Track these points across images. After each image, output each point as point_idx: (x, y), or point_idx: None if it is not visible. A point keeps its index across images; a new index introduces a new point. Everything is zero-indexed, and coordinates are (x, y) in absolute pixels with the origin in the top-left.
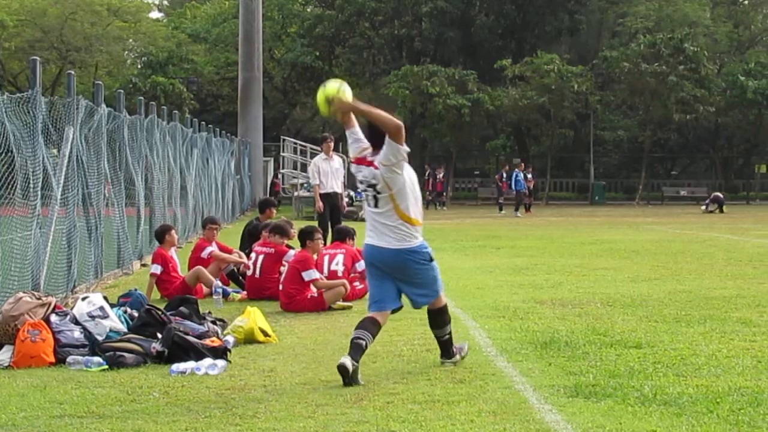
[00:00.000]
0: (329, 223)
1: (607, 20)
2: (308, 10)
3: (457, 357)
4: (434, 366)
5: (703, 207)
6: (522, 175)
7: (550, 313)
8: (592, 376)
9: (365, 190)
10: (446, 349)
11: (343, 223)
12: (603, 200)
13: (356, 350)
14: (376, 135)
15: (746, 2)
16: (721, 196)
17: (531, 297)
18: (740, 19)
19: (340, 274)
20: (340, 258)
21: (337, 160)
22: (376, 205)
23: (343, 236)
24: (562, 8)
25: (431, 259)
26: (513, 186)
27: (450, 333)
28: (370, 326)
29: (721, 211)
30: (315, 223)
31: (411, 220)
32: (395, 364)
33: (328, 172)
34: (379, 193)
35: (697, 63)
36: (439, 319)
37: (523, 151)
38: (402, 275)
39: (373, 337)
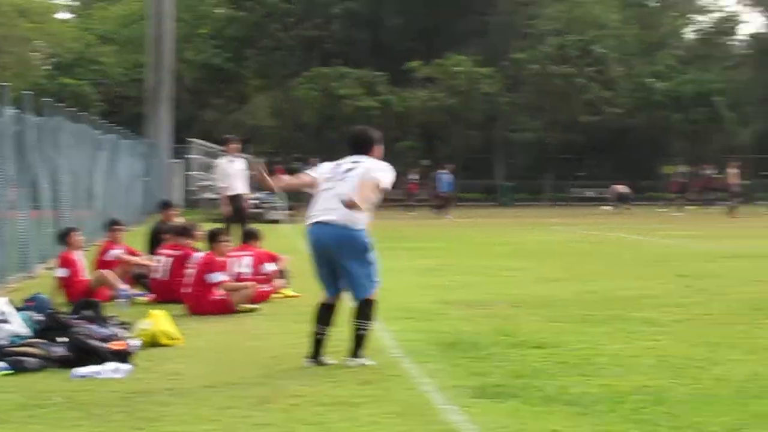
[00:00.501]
0: (236, 225)
1: (517, 22)
2: (219, 11)
3: (363, 361)
4: (340, 368)
5: (609, 207)
6: (451, 176)
7: (457, 314)
8: (497, 376)
9: (343, 164)
10: (357, 345)
11: (250, 225)
12: (511, 201)
13: (316, 347)
14: (357, 145)
15: (655, 4)
16: (623, 190)
17: (438, 298)
18: (649, 22)
19: (246, 276)
20: (246, 260)
21: (241, 162)
22: (342, 179)
23: (249, 238)
24: (472, 10)
25: (370, 249)
26: (440, 187)
27: (367, 330)
28: (327, 316)
29: (626, 204)
30: (222, 225)
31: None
32: (301, 366)
33: (233, 173)
34: (352, 169)
35: (605, 65)
36: (363, 310)
37: (431, 153)
38: (341, 259)
39: (329, 326)
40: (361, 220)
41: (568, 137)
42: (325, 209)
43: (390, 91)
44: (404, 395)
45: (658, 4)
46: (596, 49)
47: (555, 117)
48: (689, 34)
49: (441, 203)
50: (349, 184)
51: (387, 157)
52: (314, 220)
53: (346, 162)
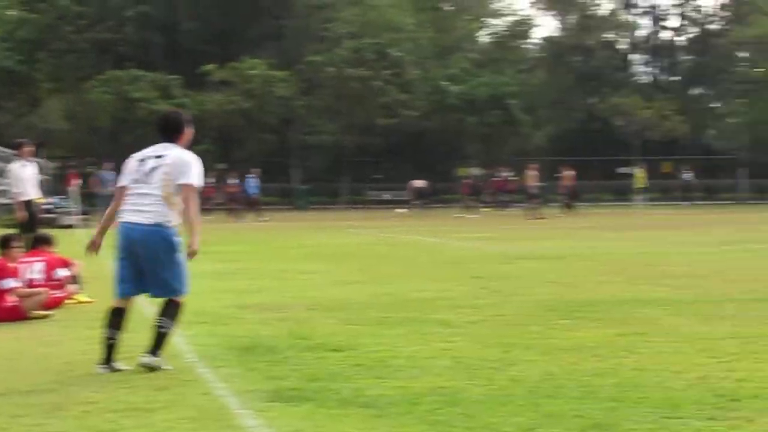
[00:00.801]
0: (28, 231)
1: (312, 25)
2: (10, 13)
3: (159, 361)
4: (134, 373)
5: (404, 209)
6: (257, 180)
7: (253, 318)
8: (293, 380)
9: (147, 159)
10: (157, 344)
11: (43, 230)
12: (308, 205)
13: (108, 352)
14: (166, 130)
15: (449, 8)
16: (421, 185)
17: (234, 302)
18: (443, 25)
19: (39, 282)
20: (38, 266)
21: (33, 166)
22: (146, 176)
23: (42, 243)
24: (267, 13)
25: (179, 250)
26: (247, 191)
27: (169, 330)
28: (118, 321)
29: (425, 200)
30: (15, 231)
31: (171, 203)
32: (94, 372)
33: (26, 178)
34: (156, 168)
35: (401, 68)
36: (169, 310)
37: (228, 157)
38: (149, 258)
39: (121, 330)
40: (172, 220)
41: (365, 140)
42: (134, 209)
43: (185, 95)
44: (199, 400)
45: (453, 8)
46: (392, 53)
47: (351, 120)
48: (484, 37)
49: (249, 206)
50: (154, 185)
51: None
52: (124, 219)
53: (151, 156)
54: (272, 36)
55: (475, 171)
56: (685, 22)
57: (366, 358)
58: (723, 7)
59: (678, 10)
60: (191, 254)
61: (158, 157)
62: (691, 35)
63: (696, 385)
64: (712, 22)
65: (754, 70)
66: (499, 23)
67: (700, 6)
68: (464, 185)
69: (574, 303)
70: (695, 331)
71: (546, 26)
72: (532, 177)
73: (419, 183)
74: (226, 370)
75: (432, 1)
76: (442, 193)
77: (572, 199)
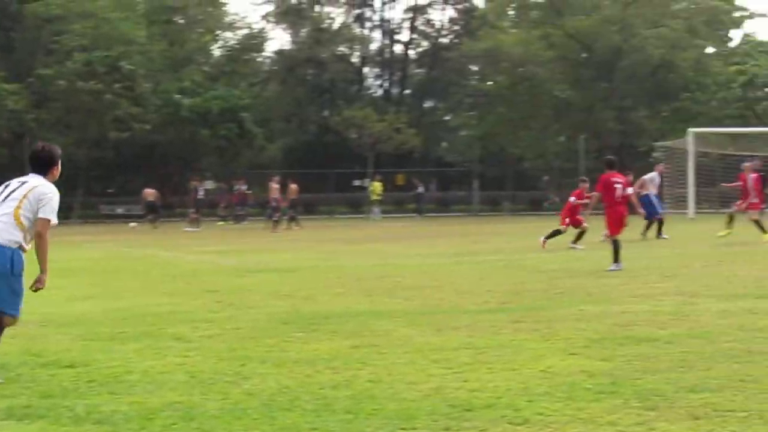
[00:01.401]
0: None
1: (43, 37)
2: None
3: None
4: None
5: (135, 224)
6: None
7: None
8: (25, 397)
9: (11, 183)
10: None
11: None
12: None
13: None
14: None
15: (181, 21)
16: (152, 198)
17: None
18: (176, 38)
19: None
20: None
21: None
22: (4, 200)
23: None
24: None
25: (15, 274)
26: None
27: None
28: None
29: (156, 214)
30: None
31: (21, 225)
32: None
33: None
34: (16, 189)
35: (133, 81)
36: None
37: None
38: None
39: None
40: (19, 242)
41: (98, 154)
42: None
43: None
44: None
45: (185, 21)
46: (124, 66)
47: (83, 133)
48: (217, 50)
49: None
50: (8, 206)
51: None
52: None
53: (14, 183)
54: (2, 48)
55: (210, 184)
56: (417, 36)
57: (99, 374)
58: (453, 21)
59: (409, 24)
60: (38, 286)
61: (20, 182)
62: (422, 49)
63: (430, 395)
64: (443, 36)
65: (485, 83)
66: (232, 36)
67: (431, 20)
68: (191, 198)
69: (309, 315)
70: (429, 342)
71: (279, 39)
72: (274, 190)
73: (151, 194)
74: None
75: (164, 14)
76: (177, 207)
77: (295, 212)
